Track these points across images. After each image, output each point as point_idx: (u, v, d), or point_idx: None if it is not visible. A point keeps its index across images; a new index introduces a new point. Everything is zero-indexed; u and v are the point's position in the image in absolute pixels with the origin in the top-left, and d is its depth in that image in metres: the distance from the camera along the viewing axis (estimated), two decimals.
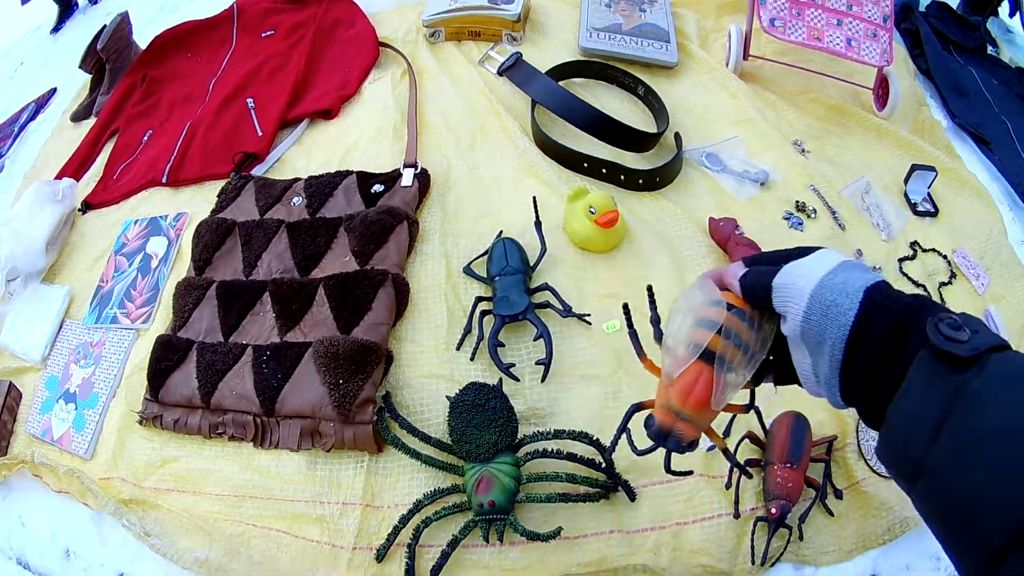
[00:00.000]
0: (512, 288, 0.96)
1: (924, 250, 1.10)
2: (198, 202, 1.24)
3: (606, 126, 1.17)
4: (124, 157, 1.37)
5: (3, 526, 1.17)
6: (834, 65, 1.31)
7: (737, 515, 0.81)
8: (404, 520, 0.86)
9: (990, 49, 1.61)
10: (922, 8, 1.63)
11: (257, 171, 1.24)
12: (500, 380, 0.91)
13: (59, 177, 1.37)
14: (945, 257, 1.10)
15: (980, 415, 0.39)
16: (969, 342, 0.40)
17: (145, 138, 1.39)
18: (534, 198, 1.05)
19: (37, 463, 1.07)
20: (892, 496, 0.84)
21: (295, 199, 1.12)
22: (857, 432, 0.87)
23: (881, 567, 0.82)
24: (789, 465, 0.79)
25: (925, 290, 1.05)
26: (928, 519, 0.41)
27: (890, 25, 1.29)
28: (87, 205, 1.34)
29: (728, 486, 0.83)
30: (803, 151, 1.21)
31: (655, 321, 0.56)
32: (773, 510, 0.77)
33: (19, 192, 1.48)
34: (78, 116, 1.59)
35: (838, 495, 0.83)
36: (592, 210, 1.00)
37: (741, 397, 0.56)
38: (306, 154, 1.26)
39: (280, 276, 1.04)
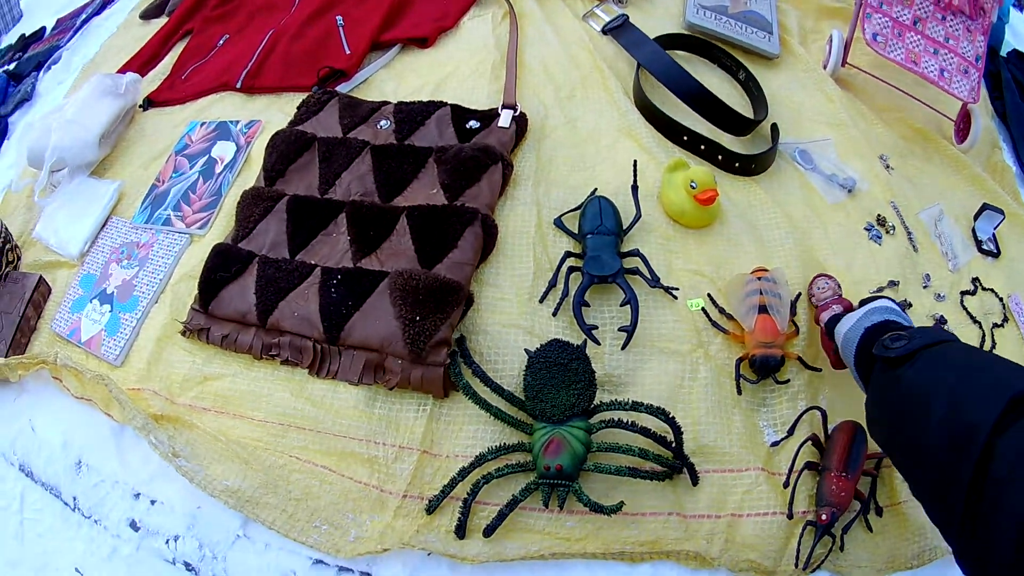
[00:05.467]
0: (604, 249, 0.94)
1: (984, 288, 1.10)
2: (273, 112, 1.21)
3: (710, 103, 1.15)
4: (196, 58, 1.34)
5: (10, 429, 1.12)
6: (921, 89, 1.33)
7: (790, 516, 0.82)
8: (463, 473, 0.84)
9: None
10: (1003, 54, 1.64)
11: (342, 89, 1.20)
12: (584, 341, 0.89)
13: (123, 71, 1.33)
14: (1001, 300, 1.10)
15: (897, 387, 0.63)
16: (903, 347, 0.65)
17: (220, 42, 1.35)
18: (635, 162, 1.04)
19: (60, 365, 1.02)
20: (928, 523, 0.84)
21: (382, 122, 1.08)
22: None
23: None
24: (844, 474, 0.81)
25: (980, 327, 1.04)
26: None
27: (981, 65, 1.30)
28: (149, 102, 1.30)
29: (786, 485, 0.84)
30: (888, 166, 1.21)
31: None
32: (824, 516, 0.79)
33: (75, 84, 1.44)
34: (148, 14, 1.55)
35: (879, 512, 0.85)
36: (693, 184, 0.99)
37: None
38: (396, 78, 1.23)
39: (359, 199, 1.00)
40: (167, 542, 0.95)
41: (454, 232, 0.92)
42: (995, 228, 1.18)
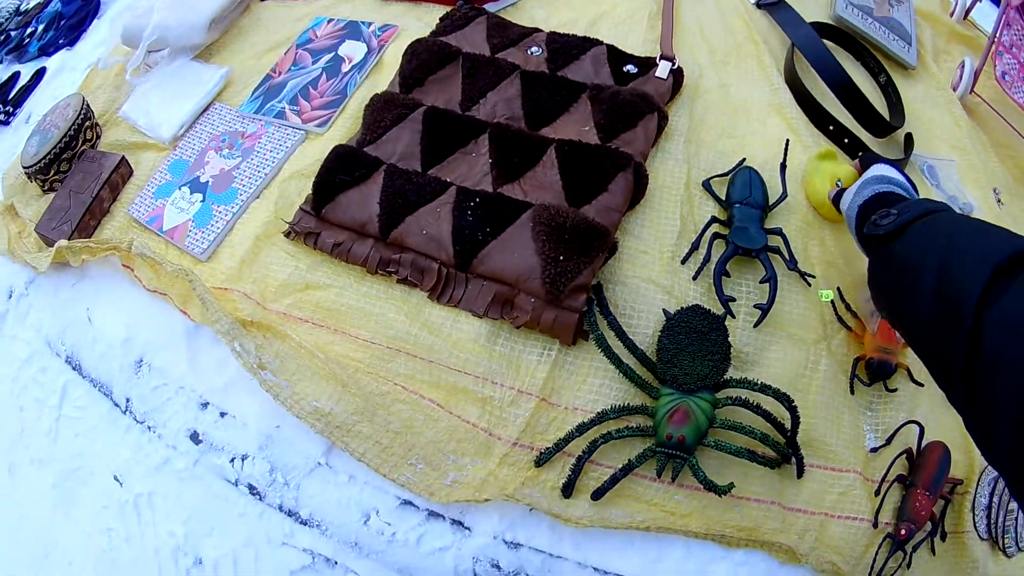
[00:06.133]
0: (751, 221, 0.91)
1: None
2: (409, 19, 1.16)
3: (857, 98, 1.13)
4: None
5: (62, 316, 1.07)
6: None
7: (875, 524, 0.83)
8: (582, 428, 0.80)
9: None
10: None
11: (489, 8, 1.14)
12: (725, 313, 0.85)
13: None
14: None
15: (890, 264, 0.65)
16: (891, 223, 0.66)
17: None
18: (787, 141, 1.00)
19: (134, 253, 0.95)
20: (982, 557, 0.86)
21: (534, 48, 1.03)
22: (977, 486, 0.89)
23: None
24: (928, 494, 0.83)
25: None
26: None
27: None
28: None
29: (877, 493, 0.85)
30: (999, 201, 1.20)
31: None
32: (903, 531, 0.81)
33: None
34: None
35: (943, 537, 0.86)
36: (839, 183, 0.95)
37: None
38: (547, 7, 1.18)
39: (505, 122, 0.95)
40: (232, 460, 0.89)
41: (606, 175, 0.87)
42: None
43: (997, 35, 1.33)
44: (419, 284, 0.86)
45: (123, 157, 1.07)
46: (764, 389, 0.80)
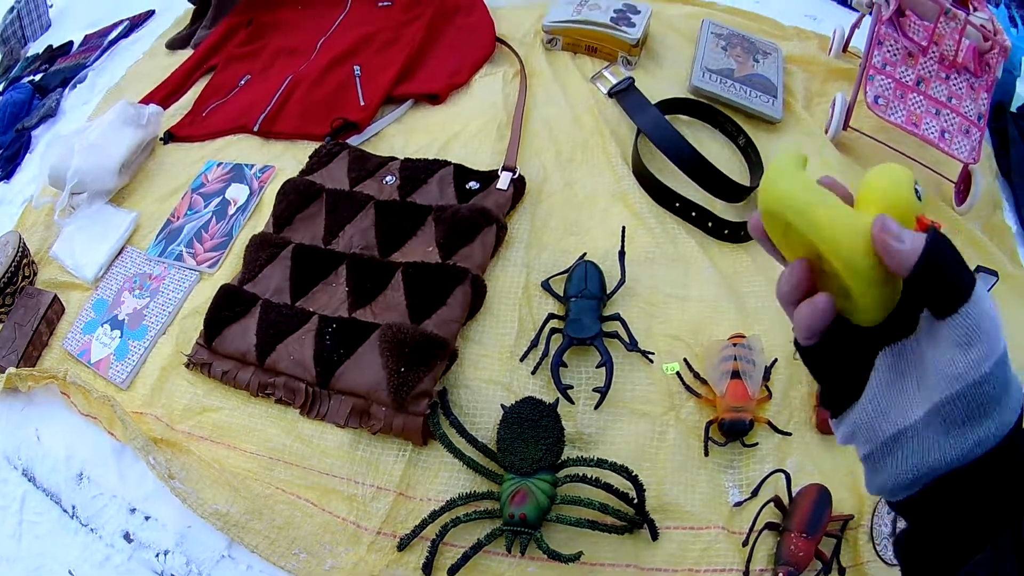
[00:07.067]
0: (586, 312, 1.04)
1: None
2: (287, 159, 1.34)
3: (704, 171, 1.23)
4: (217, 96, 1.47)
5: (15, 436, 1.25)
6: (923, 152, 1.38)
7: (746, 573, 0.88)
8: (434, 515, 0.93)
9: None
10: (1013, 109, 1.65)
11: (353, 141, 1.33)
12: (557, 400, 0.99)
13: (145, 102, 1.47)
14: None
15: None
16: None
17: (242, 82, 1.49)
18: (623, 228, 1.14)
19: (69, 382, 1.15)
20: None
21: (388, 177, 1.21)
22: (872, 516, 0.93)
23: None
24: (805, 535, 0.87)
25: None
26: None
27: (983, 124, 1.36)
28: (170, 136, 1.43)
29: (745, 543, 0.90)
30: None
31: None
32: (781, 574, 0.85)
33: (99, 106, 1.57)
34: (174, 45, 1.69)
35: (841, 572, 0.89)
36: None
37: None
38: (406, 134, 1.35)
39: (360, 252, 1.13)
40: (157, 555, 1.07)
41: (444, 290, 1.04)
42: (989, 290, 1.21)
43: (868, 59, 1.34)
44: (292, 403, 1.04)
45: (55, 296, 1.26)
46: (600, 464, 0.91)
